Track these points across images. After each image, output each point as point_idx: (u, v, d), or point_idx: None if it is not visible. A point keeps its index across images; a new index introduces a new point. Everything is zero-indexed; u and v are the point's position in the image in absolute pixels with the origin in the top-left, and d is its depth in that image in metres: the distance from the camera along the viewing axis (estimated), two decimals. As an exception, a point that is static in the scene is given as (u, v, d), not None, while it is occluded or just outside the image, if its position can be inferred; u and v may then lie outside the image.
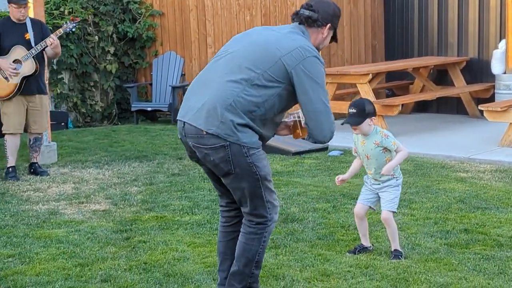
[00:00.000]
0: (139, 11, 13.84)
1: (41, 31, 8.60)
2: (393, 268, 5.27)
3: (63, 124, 12.46)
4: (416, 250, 5.69)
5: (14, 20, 8.56)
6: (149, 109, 12.86)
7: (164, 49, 13.68)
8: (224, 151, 4.21)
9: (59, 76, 13.23)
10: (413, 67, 11.95)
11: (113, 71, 13.64)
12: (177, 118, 4.40)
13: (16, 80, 8.41)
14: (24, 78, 8.43)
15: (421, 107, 12.85)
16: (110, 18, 13.68)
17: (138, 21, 13.85)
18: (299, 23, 4.45)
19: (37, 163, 8.79)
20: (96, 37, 13.53)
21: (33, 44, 8.48)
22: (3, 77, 8.44)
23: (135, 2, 13.86)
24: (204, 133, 4.20)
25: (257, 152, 4.29)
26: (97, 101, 13.65)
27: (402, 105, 12.39)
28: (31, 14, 9.37)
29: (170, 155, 9.58)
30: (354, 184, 7.81)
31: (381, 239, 5.93)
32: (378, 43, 13.23)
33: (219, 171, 4.33)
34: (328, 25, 4.46)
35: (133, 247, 5.82)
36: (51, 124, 12.09)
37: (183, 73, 13.17)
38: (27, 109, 8.60)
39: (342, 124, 5.46)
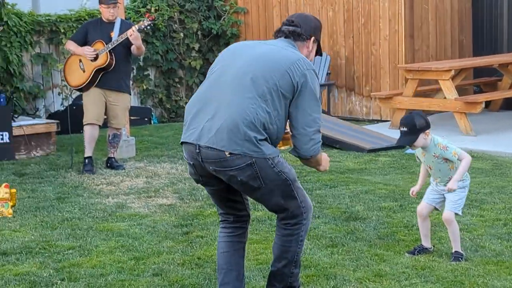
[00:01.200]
0: (224, 8, 13.91)
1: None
2: (450, 271, 5.11)
3: (146, 119, 12.64)
4: (479, 252, 5.51)
5: (104, 19, 8.79)
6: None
7: (248, 45, 13.68)
8: (251, 169, 4.12)
9: (145, 73, 13.45)
10: (500, 63, 11.58)
11: (198, 68, 13.75)
12: (186, 140, 4.22)
13: (89, 71, 8.62)
14: (99, 70, 8.59)
15: (510, 105, 12.45)
16: (195, 15, 13.79)
17: (222, 18, 13.91)
18: (285, 37, 4.39)
19: (114, 157, 8.94)
20: (182, 34, 13.67)
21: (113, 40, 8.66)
22: (80, 68, 8.66)
23: (220, 0, 13.93)
24: (228, 154, 4.08)
25: (279, 158, 4.24)
26: (182, 97, 13.80)
27: (490, 102, 12.09)
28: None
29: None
30: (426, 184, 7.63)
31: (444, 240, 5.76)
32: (465, 38, 12.90)
33: (247, 188, 4.23)
34: (312, 38, 4.44)
35: (190, 242, 5.84)
36: (134, 119, 12.35)
37: (265, 69, 13.14)
38: (106, 104, 8.75)
39: (396, 144, 5.41)
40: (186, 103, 13.64)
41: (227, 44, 13.93)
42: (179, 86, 13.80)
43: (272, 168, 4.17)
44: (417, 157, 5.55)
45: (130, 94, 9.19)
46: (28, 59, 12.03)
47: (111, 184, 8.02)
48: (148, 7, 13.49)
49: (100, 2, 8.82)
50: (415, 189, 5.55)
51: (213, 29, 13.82)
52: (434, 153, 5.27)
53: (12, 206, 6.78)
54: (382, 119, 12.14)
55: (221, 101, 4.16)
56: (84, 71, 8.68)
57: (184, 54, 13.75)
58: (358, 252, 5.56)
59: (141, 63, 13.35)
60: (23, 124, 9.96)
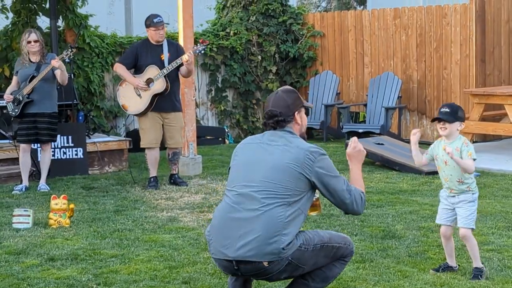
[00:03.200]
0: (301, 32, 14.22)
1: (176, 52, 9.06)
2: (468, 288, 5.22)
3: (220, 139, 13.03)
4: (503, 272, 5.59)
5: (153, 42, 9.12)
6: (302, 126, 13.15)
7: (324, 68, 13.97)
8: (290, 265, 4.43)
9: (224, 94, 13.88)
10: None
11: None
12: (219, 257, 4.48)
13: (147, 97, 8.97)
14: (155, 95, 8.97)
15: None
16: (273, 38, 14.15)
17: (300, 42, 14.22)
18: (276, 129, 4.62)
19: (176, 174, 9.33)
20: (259, 57, 14.05)
21: (166, 64, 9.00)
22: (137, 94, 9.03)
23: (298, 24, 14.26)
24: (267, 264, 4.38)
25: (306, 235, 4.51)
26: (259, 118, 14.16)
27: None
28: (180, 35, 10.01)
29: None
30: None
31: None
32: (541, 63, 12.79)
33: (292, 276, 4.57)
34: (295, 113, 4.63)
35: (225, 254, 6.11)
36: (209, 139, 12.77)
37: (338, 91, 13.37)
38: (163, 125, 9.12)
39: (432, 121, 5.55)
40: (262, 124, 14.04)
41: (304, 67, 14.26)
42: (256, 107, 14.17)
43: (305, 251, 4.47)
44: (431, 150, 5.62)
45: (181, 111, 9.40)
46: (110, 79, 12.62)
47: (170, 199, 8.40)
48: (228, 30, 13.95)
49: (148, 26, 9.07)
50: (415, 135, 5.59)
51: (290, 52, 14.14)
52: (457, 147, 5.38)
53: (69, 217, 7.23)
54: (453, 142, 12.14)
55: (249, 212, 4.47)
56: (140, 97, 9.03)
57: (262, 76, 14.12)
58: (383, 268, 5.72)
59: (219, 85, 13.80)
60: (97, 141, 10.50)
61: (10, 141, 9.99)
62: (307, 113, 4.81)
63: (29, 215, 7.18)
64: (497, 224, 6.98)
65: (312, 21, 14.26)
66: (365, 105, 12.89)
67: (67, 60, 9.25)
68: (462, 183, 5.44)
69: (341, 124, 12.95)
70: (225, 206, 4.58)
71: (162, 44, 9.10)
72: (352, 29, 13.57)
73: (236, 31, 13.90)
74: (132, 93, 9.08)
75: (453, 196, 5.50)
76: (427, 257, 5.99)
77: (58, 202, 7.19)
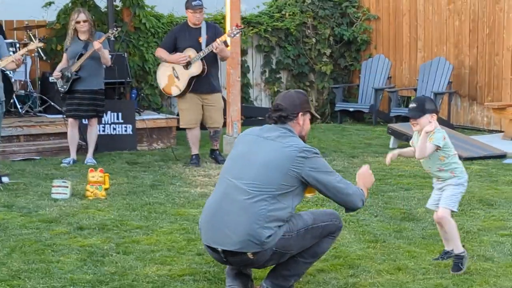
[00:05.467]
0: (356, 15, 14.29)
1: (215, 35, 9.25)
2: (469, 270, 5.33)
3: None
4: (510, 256, 5.66)
5: (190, 24, 9.36)
6: (351, 109, 13.30)
7: (378, 52, 14.03)
8: (276, 253, 4.58)
9: (277, 76, 14.08)
10: None
11: (328, 72, 14.22)
12: (209, 244, 4.64)
13: (185, 79, 9.22)
14: (192, 78, 9.20)
15: None
16: (328, 21, 14.27)
17: (354, 25, 14.30)
18: (277, 123, 4.73)
19: (217, 150, 9.59)
20: (314, 40, 14.19)
21: (203, 47, 9.21)
22: (174, 76, 9.29)
23: (353, 6, 14.34)
24: (252, 256, 4.54)
25: (289, 222, 4.62)
26: (312, 100, 14.31)
27: None
28: (228, 17, 10.23)
29: (345, 153, 10.01)
30: (501, 192, 7.78)
31: (484, 244, 5.96)
32: None
33: (281, 261, 4.70)
34: (300, 113, 4.75)
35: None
36: (260, 119, 13.00)
37: (389, 75, 13.43)
38: (202, 106, 9.37)
39: (405, 115, 5.58)
40: (315, 106, 14.21)
41: (358, 50, 14.35)
42: (309, 89, 14.33)
43: (290, 238, 4.61)
44: (411, 142, 5.57)
45: (221, 92, 9.65)
46: (166, 59, 12.90)
47: (207, 176, 8.67)
48: (283, 12, 14.12)
49: (187, 8, 9.32)
50: (389, 155, 5.53)
51: (345, 35, 14.24)
52: (430, 137, 5.31)
53: (105, 189, 7.57)
54: (502, 129, 12.10)
55: (235, 203, 4.61)
56: (178, 79, 9.28)
57: (315, 59, 14.25)
58: (393, 248, 5.86)
59: (273, 67, 14.00)
60: (146, 118, 10.85)
61: (64, 116, 10.40)
62: (311, 121, 4.91)
63: (67, 186, 7.55)
64: (520, 210, 7.03)
65: (367, 4, 14.32)
66: (415, 89, 12.92)
67: (112, 38, 9.58)
68: (444, 170, 5.40)
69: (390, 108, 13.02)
70: (215, 195, 4.77)
71: (200, 27, 9.31)
72: (406, 13, 13.59)
73: (291, 13, 14.06)
74: (170, 74, 9.33)
75: (440, 183, 5.48)
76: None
77: (95, 175, 7.54)
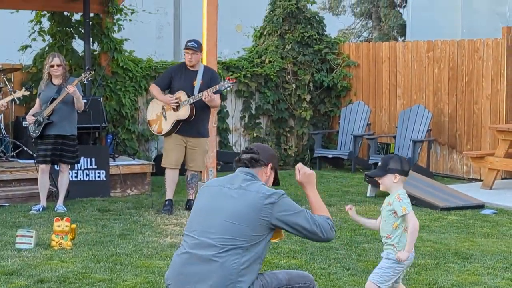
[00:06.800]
0: (336, 62, 14.24)
1: (210, 81, 9.18)
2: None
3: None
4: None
5: (188, 66, 9.30)
6: (329, 156, 13.18)
7: (358, 98, 13.96)
8: None
9: (257, 121, 13.96)
10: None
11: (308, 118, 14.12)
12: None
13: (171, 121, 9.16)
14: (179, 121, 9.11)
15: None
16: (308, 67, 14.20)
17: (334, 71, 14.24)
18: (244, 166, 4.62)
19: (193, 200, 9.42)
20: (294, 85, 14.11)
21: (195, 92, 9.13)
22: (163, 115, 9.21)
23: (333, 53, 14.29)
24: None
25: (263, 279, 4.48)
26: (291, 145, 14.19)
27: None
28: (204, 62, 10.12)
29: (322, 202, 9.84)
30: (478, 244, 7.63)
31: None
32: None
33: None
34: (270, 164, 4.65)
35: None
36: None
37: (369, 122, 13.34)
38: (186, 148, 9.26)
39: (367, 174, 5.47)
40: (295, 152, 14.08)
41: (338, 97, 14.28)
42: (289, 135, 14.21)
43: None
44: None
45: (208, 137, 9.58)
46: (143, 103, 12.80)
47: (179, 225, 8.48)
48: (263, 58, 14.06)
49: (185, 47, 9.33)
50: (352, 212, 5.43)
51: (325, 82, 14.17)
52: (389, 200, 5.20)
53: (71, 239, 7.37)
54: (482, 178, 11.99)
55: (204, 259, 4.43)
56: (166, 119, 9.22)
57: (295, 104, 14.16)
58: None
59: (253, 112, 13.90)
60: (120, 164, 10.68)
61: (35, 161, 10.21)
62: (276, 183, 4.77)
63: (31, 236, 7.34)
64: (495, 265, 6.86)
65: (347, 51, 14.28)
66: (395, 137, 12.82)
67: (85, 81, 9.46)
68: (390, 238, 5.21)
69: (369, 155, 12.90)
70: (182, 251, 4.57)
71: (197, 70, 9.26)
72: (386, 60, 13.55)
73: (271, 59, 13.99)
74: (159, 112, 9.31)
75: (384, 251, 5.30)
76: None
77: (61, 224, 7.34)
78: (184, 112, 9.13)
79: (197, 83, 9.22)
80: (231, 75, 13.50)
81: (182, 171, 9.48)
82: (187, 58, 9.26)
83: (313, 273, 6.42)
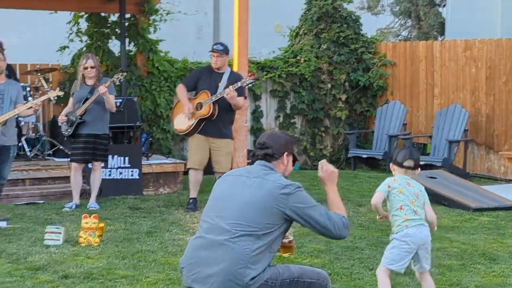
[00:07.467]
0: (373, 61, 14.16)
1: (234, 83, 9.15)
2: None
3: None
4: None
5: (214, 68, 9.36)
6: (364, 156, 13.10)
7: (394, 98, 13.87)
8: None
9: (292, 121, 13.96)
10: None
11: (343, 118, 14.07)
12: (190, 286, 4.48)
13: (193, 120, 9.22)
14: (201, 120, 9.15)
15: None
16: (344, 67, 14.15)
17: (370, 71, 14.16)
18: (261, 159, 4.63)
19: (220, 199, 9.43)
20: (329, 85, 14.07)
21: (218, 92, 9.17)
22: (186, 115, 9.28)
23: (369, 52, 14.22)
24: None
25: (275, 269, 4.47)
26: (326, 145, 14.15)
27: None
28: (235, 63, 10.15)
29: (352, 201, 9.80)
30: (506, 245, 7.54)
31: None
32: None
33: None
34: (285, 153, 4.64)
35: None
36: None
37: (405, 122, 13.24)
38: (210, 150, 9.29)
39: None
40: (330, 152, 14.03)
41: (374, 96, 14.20)
42: (324, 135, 14.17)
43: (274, 286, 4.41)
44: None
45: (232, 139, 9.59)
46: (179, 103, 12.85)
47: (207, 224, 8.49)
48: (298, 57, 14.04)
49: (211, 49, 9.39)
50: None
51: (361, 81, 14.10)
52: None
53: (99, 236, 7.44)
54: (519, 179, 11.85)
55: (218, 244, 4.44)
56: (189, 118, 9.27)
57: (330, 104, 14.12)
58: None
59: (288, 112, 13.89)
60: (152, 163, 10.76)
61: (69, 160, 10.35)
62: (294, 160, 4.78)
63: (60, 233, 7.43)
64: (525, 266, 6.77)
65: (384, 50, 14.20)
66: (430, 137, 12.71)
67: (117, 83, 9.55)
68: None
69: (405, 155, 12.77)
70: (197, 236, 4.62)
71: (223, 72, 9.31)
72: (423, 59, 13.44)
73: (306, 58, 13.97)
74: (182, 115, 9.33)
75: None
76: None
77: (88, 221, 7.42)
78: (205, 111, 9.17)
79: (222, 84, 9.25)
80: (266, 75, 13.52)
81: (210, 171, 9.49)
82: (213, 60, 9.34)
83: (335, 272, 6.41)
